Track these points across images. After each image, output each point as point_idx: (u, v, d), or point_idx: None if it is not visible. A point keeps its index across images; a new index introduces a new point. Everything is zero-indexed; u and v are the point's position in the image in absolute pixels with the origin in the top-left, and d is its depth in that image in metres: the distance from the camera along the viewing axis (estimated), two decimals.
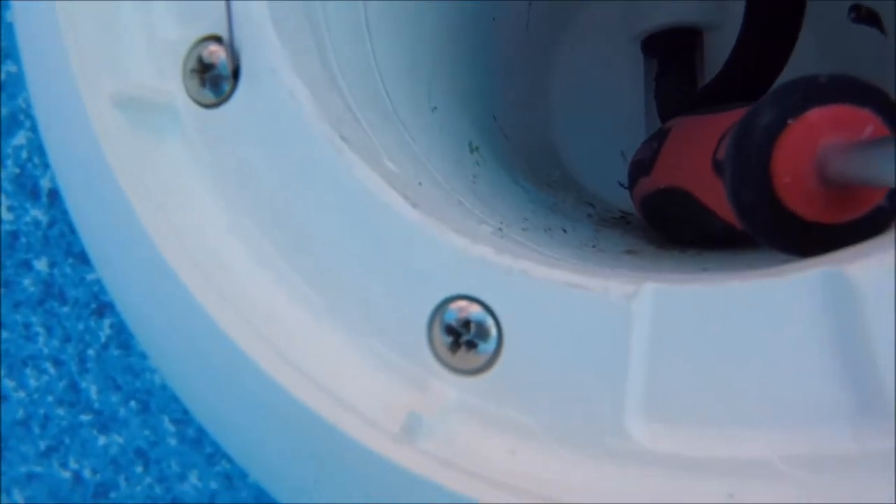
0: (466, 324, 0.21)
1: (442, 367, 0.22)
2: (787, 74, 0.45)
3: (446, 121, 0.38)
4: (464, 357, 0.21)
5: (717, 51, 0.51)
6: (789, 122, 0.24)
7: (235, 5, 0.24)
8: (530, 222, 0.36)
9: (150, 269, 0.23)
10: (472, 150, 0.39)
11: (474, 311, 0.22)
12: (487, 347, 0.21)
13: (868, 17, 0.43)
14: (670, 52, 0.54)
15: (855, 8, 0.45)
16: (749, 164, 0.24)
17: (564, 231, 0.38)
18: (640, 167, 0.39)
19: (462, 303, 0.22)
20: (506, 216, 0.34)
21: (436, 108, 0.38)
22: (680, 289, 0.19)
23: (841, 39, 0.48)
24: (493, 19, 0.47)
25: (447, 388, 0.21)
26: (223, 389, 0.22)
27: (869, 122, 0.23)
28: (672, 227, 0.38)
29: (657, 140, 0.38)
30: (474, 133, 0.41)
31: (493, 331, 0.21)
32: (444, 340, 0.22)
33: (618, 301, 0.20)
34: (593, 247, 0.35)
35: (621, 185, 0.52)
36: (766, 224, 0.24)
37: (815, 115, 0.23)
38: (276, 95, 0.23)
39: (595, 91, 0.57)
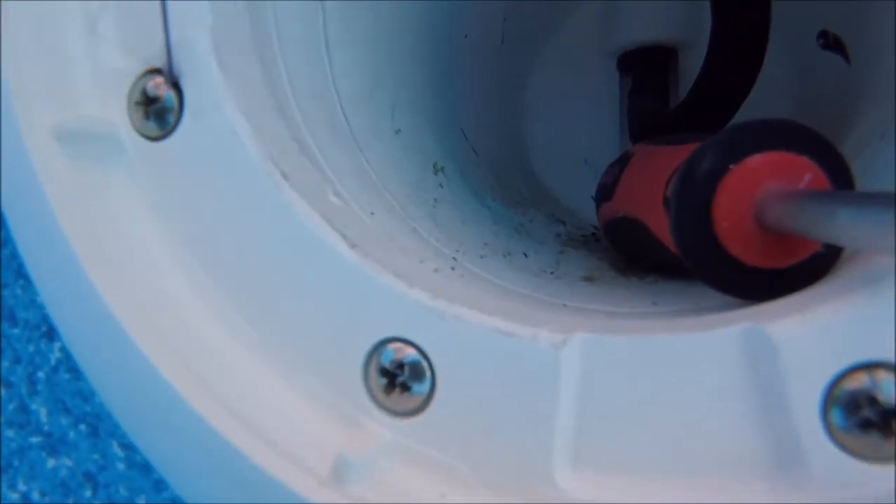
0: (401, 366, 0.22)
1: (377, 407, 0.22)
2: (759, 96, 0.45)
3: (410, 142, 0.38)
4: (398, 399, 0.22)
5: (692, 70, 0.51)
6: (731, 166, 0.24)
7: (179, 35, 0.24)
8: (490, 248, 0.36)
9: (86, 303, 0.23)
10: (436, 172, 0.39)
11: (409, 353, 0.22)
12: (422, 389, 0.22)
13: (834, 45, 0.44)
14: (645, 69, 0.54)
15: (823, 34, 0.45)
16: (691, 207, 0.24)
17: (525, 255, 0.38)
18: (604, 191, 0.40)
19: (398, 344, 0.22)
20: (464, 242, 0.34)
21: (399, 130, 0.38)
22: (608, 339, 0.20)
23: (812, 64, 0.48)
24: (465, 36, 0.47)
25: (381, 429, 0.22)
26: (156, 423, 0.22)
27: (807, 170, 0.23)
28: (632, 253, 0.38)
29: (619, 165, 0.38)
30: (440, 152, 0.41)
31: (428, 373, 0.21)
32: (379, 381, 0.22)
33: (547, 350, 0.20)
34: (551, 273, 0.36)
35: (594, 200, 0.52)
36: (706, 266, 0.24)
37: (756, 161, 0.23)
38: (219, 131, 0.23)
39: (570, 107, 0.57)
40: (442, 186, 0.39)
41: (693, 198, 0.24)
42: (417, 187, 0.36)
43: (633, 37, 0.54)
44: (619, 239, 0.39)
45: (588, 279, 0.35)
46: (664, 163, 0.30)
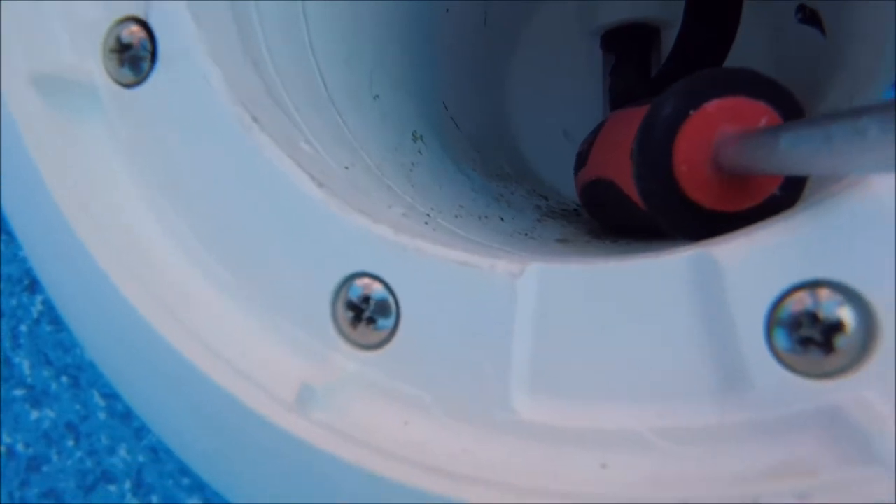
0: (367, 300, 0.22)
1: (343, 341, 0.22)
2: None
3: (389, 109, 0.39)
4: (364, 332, 0.22)
5: None
6: (690, 112, 0.24)
7: None
8: (466, 209, 0.36)
9: (65, 245, 0.23)
10: (414, 139, 0.40)
11: (376, 288, 0.22)
12: (387, 323, 0.22)
13: (811, 18, 0.44)
14: (627, 47, 0.55)
15: (801, 8, 0.46)
16: (652, 154, 0.25)
17: (502, 220, 0.38)
18: (580, 159, 0.40)
19: (366, 280, 0.22)
20: (439, 202, 0.35)
21: (377, 96, 0.38)
22: (562, 268, 0.20)
23: (789, 37, 0.49)
24: (447, 10, 0.48)
25: (347, 361, 0.22)
26: (130, 358, 0.23)
27: (764, 114, 0.24)
28: (605, 216, 0.39)
29: (594, 133, 0.39)
30: (420, 122, 0.42)
31: (393, 308, 0.22)
32: (346, 315, 0.22)
33: (504, 279, 0.20)
34: (525, 235, 0.36)
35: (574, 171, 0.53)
36: (667, 211, 0.25)
37: (714, 106, 0.24)
38: (191, 77, 0.24)
39: (553, 84, 0.58)
40: (420, 153, 0.39)
41: (654, 144, 0.25)
42: (395, 151, 0.37)
43: (616, 15, 0.55)
44: (594, 203, 0.39)
45: (562, 241, 0.36)
46: (631, 122, 0.31)
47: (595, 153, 0.37)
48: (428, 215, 0.31)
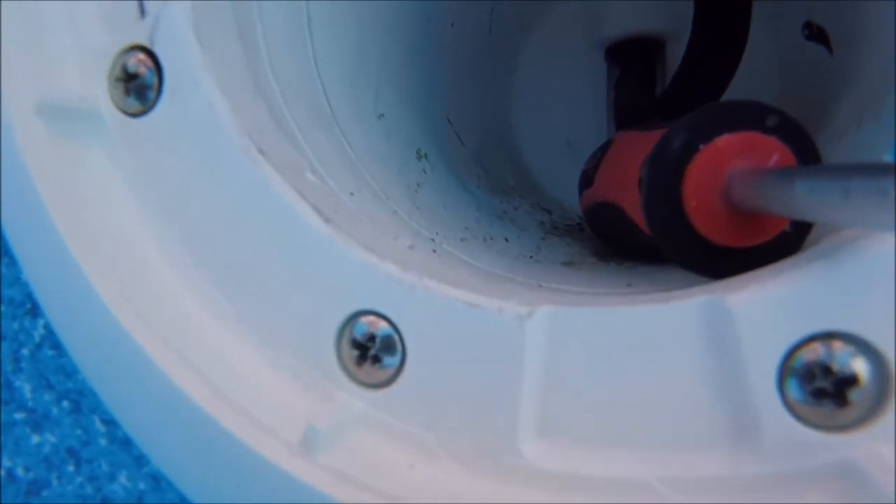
0: (373, 338, 0.22)
1: (348, 379, 0.22)
2: (743, 86, 0.45)
3: (394, 127, 0.38)
4: (369, 371, 0.22)
5: (679, 61, 0.51)
6: (700, 146, 0.24)
7: (160, 14, 0.24)
8: (470, 232, 0.36)
9: (67, 277, 0.23)
10: (419, 158, 0.40)
11: (382, 326, 0.22)
12: (392, 362, 0.22)
13: (818, 36, 0.44)
14: (632, 60, 0.55)
15: (807, 25, 0.46)
16: (661, 186, 0.25)
17: (506, 241, 0.38)
18: (585, 178, 0.40)
19: (371, 317, 0.22)
20: (444, 226, 0.35)
21: (382, 115, 0.38)
22: (572, 311, 0.20)
23: (796, 54, 0.49)
24: (452, 24, 0.48)
25: (352, 399, 0.22)
26: (133, 392, 0.23)
27: (776, 151, 0.23)
28: (611, 238, 0.39)
29: (600, 153, 0.38)
30: (424, 139, 0.42)
31: (399, 346, 0.22)
32: (351, 353, 0.22)
33: (512, 322, 0.20)
34: (531, 257, 0.36)
35: (578, 188, 0.52)
36: (676, 245, 0.25)
37: (725, 141, 0.24)
38: (197, 106, 0.23)
39: (558, 97, 0.58)
40: (425, 172, 0.39)
41: (663, 177, 0.24)
42: (400, 171, 0.36)
43: (621, 28, 0.54)
44: (599, 224, 0.39)
45: (567, 264, 0.36)
46: (640, 147, 0.31)
47: (601, 175, 0.36)
48: (433, 240, 0.31)
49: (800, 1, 0.47)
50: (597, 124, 0.57)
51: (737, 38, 0.41)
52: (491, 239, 0.37)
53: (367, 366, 0.22)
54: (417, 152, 0.40)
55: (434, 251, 0.30)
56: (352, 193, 0.29)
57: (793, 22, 0.48)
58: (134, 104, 0.24)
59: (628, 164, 0.31)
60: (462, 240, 0.34)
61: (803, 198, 0.18)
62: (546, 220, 0.49)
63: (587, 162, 0.42)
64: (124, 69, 0.24)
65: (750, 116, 0.24)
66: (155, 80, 0.24)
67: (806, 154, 0.24)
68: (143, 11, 0.23)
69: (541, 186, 0.57)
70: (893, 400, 0.17)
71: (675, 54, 0.54)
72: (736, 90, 0.45)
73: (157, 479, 0.40)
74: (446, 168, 0.42)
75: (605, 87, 0.57)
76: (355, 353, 0.22)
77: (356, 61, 0.36)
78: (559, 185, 0.56)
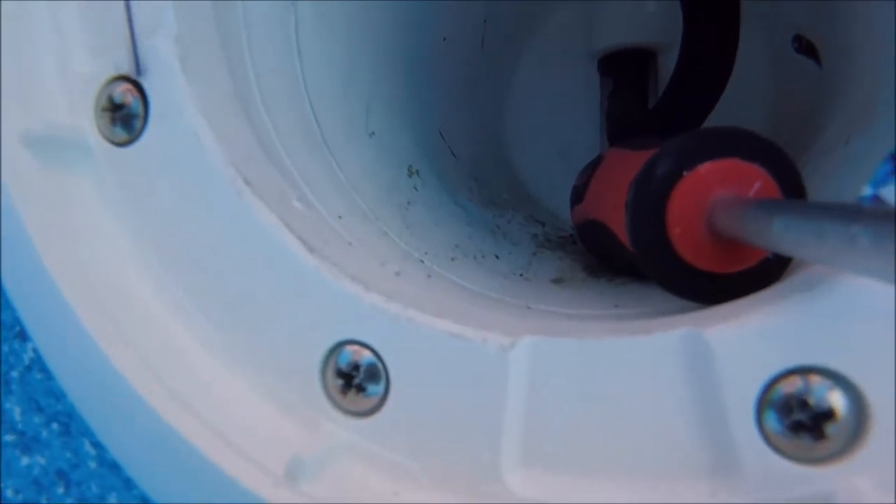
0: (357, 367, 0.22)
1: (333, 407, 0.22)
2: (734, 99, 0.45)
3: (385, 145, 0.39)
4: (354, 399, 0.22)
5: (671, 72, 0.51)
6: (684, 173, 0.24)
7: (144, 43, 0.24)
8: (461, 250, 0.36)
9: (52, 306, 0.23)
10: (410, 175, 0.40)
11: (366, 355, 0.22)
12: (377, 390, 0.22)
13: (808, 49, 0.44)
14: (625, 72, 0.55)
15: (797, 38, 0.46)
16: (646, 211, 0.25)
17: (497, 258, 0.38)
18: (576, 193, 0.40)
19: (356, 347, 0.22)
20: (435, 245, 0.35)
21: (373, 133, 0.38)
22: (555, 342, 0.20)
23: (786, 68, 0.49)
24: (444, 39, 0.48)
25: (337, 428, 0.22)
26: (119, 423, 0.23)
27: (758, 178, 0.24)
28: (601, 255, 0.39)
29: (591, 169, 0.39)
30: (416, 154, 0.42)
31: (383, 375, 0.22)
32: (335, 382, 0.22)
33: (495, 352, 0.20)
34: (521, 275, 0.36)
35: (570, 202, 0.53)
36: (659, 269, 0.25)
37: (708, 168, 0.24)
38: (183, 135, 0.24)
39: (551, 108, 0.58)
40: (416, 189, 0.39)
41: (648, 202, 0.25)
42: (390, 191, 0.36)
43: (614, 39, 0.55)
44: (589, 241, 0.39)
45: (557, 281, 0.36)
46: (628, 166, 0.31)
47: (591, 193, 0.37)
48: (422, 262, 0.31)
49: (790, 15, 0.47)
50: (590, 135, 0.58)
51: (726, 49, 0.41)
52: (482, 257, 0.37)
53: (352, 394, 0.22)
54: (409, 169, 0.40)
55: (422, 274, 0.30)
56: (340, 217, 0.29)
57: (783, 35, 0.48)
58: (121, 134, 0.25)
59: (616, 184, 0.31)
60: (452, 259, 0.34)
61: (780, 234, 0.18)
62: (539, 233, 0.49)
63: (578, 177, 0.42)
64: (110, 99, 0.24)
65: (734, 143, 0.24)
66: (141, 110, 0.24)
67: (789, 182, 0.24)
68: (133, 43, 0.23)
69: (534, 198, 0.57)
70: (870, 434, 0.18)
71: (668, 65, 0.54)
72: (729, 102, 0.45)
73: (146, 501, 0.40)
74: (438, 183, 0.43)
75: (599, 98, 0.57)
76: (340, 381, 0.22)
77: (346, 79, 0.37)
78: (553, 197, 0.56)
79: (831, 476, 0.18)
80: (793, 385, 0.18)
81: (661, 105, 0.46)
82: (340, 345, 0.22)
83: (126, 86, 0.24)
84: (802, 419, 0.18)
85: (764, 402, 0.18)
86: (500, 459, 0.21)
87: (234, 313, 0.23)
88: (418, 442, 0.21)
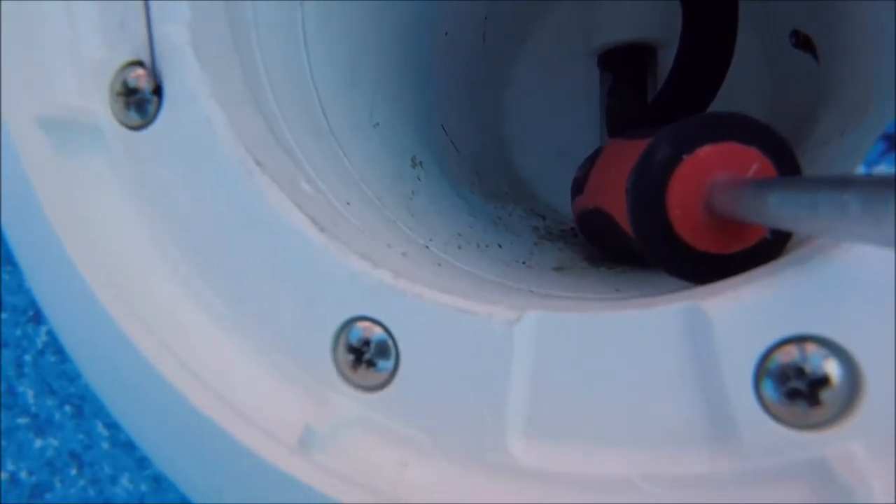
0: (367, 343, 0.23)
1: (344, 382, 0.23)
2: (732, 92, 0.46)
3: (388, 136, 0.39)
4: (364, 374, 0.23)
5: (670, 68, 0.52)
6: (683, 157, 0.25)
7: (158, 29, 0.25)
8: (464, 238, 0.37)
9: (69, 285, 0.24)
10: (414, 166, 0.40)
11: (377, 331, 0.23)
12: (386, 366, 0.23)
13: (805, 44, 0.45)
14: (624, 67, 0.55)
15: (795, 33, 0.47)
16: (646, 197, 0.25)
17: (499, 247, 0.39)
18: (576, 185, 0.41)
19: (366, 323, 0.23)
20: (438, 232, 0.35)
21: (378, 123, 0.39)
22: (559, 316, 0.21)
23: (784, 62, 0.50)
24: (446, 34, 0.49)
25: (348, 402, 0.23)
26: (135, 397, 0.24)
27: (755, 160, 0.24)
28: (602, 244, 0.39)
29: (591, 161, 0.39)
30: (419, 147, 0.43)
31: (392, 351, 0.23)
32: (346, 358, 0.23)
33: (501, 326, 0.21)
34: (523, 263, 0.37)
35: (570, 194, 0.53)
36: (660, 251, 0.25)
37: (707, 151, 0.25)
38: (195, 120, 0.24)
39: (551, 103, 0.58)
40: (420, 179, 0.40)
41: (648, 187, 0.25)
42: (395, 179, 0.37)
43: (613, 35, 0.55)
44: (590, 230, 0.40)
45: (559, 269, 0.37)
46: (627, 155, 0.32)
47: (592, 183, 0.37)
48: (427, 248, 0.32)
49: (788, 10, 0.48)
50: (590, 130, 0.58)
51: (725, 44, 0.42)
52: (486, 246, 0.37)
53: (363, 369, 0.23)
54: (412, 160, 0.41)
55: (428, 259, 0.30)
56: (348, 203, 0.30)
57: (781, 30, 0.49)
58: (134, 118, 0.25)
59: (616, 173, 0.32)
60: (458, 247, 0.35)
61: (776, 209, 0.19)
62: (540, 226, 0.50)
63: (578, 169, 0.43)
64: (124, 84, 0.25)
65: (731, 127, 0.25)
66: (154, 95, 0.25)
67: (785, 163, 0.24)
68: (149, 29, 0.23)
69: (535, 192, 0.58)
70: (863, 400, 0.18)
71: (667, 61, 0.55)
72: (727, 96, 0.46)
73: (158, 481, 0.41)
74: (441, 175, 0.43)
75: (598, 93, 0.58)
76: (351, 357, 0.23)
77: (351, 72, 0.37)
78: (553, 191, 0.57)
79: (826, 441, 0.18)
80: (789, 354, 0.19)
81: (659, 100, 0.46)
82: (352, 321, 0.23)
83: (140, 70, 0.25)
84: (798, 386, 0.19)
85: (761, 370, 0.19)
86: (505, 430, 0.21)
87: (246, 292, 0.24)
88: (427, 414, 0.22)
